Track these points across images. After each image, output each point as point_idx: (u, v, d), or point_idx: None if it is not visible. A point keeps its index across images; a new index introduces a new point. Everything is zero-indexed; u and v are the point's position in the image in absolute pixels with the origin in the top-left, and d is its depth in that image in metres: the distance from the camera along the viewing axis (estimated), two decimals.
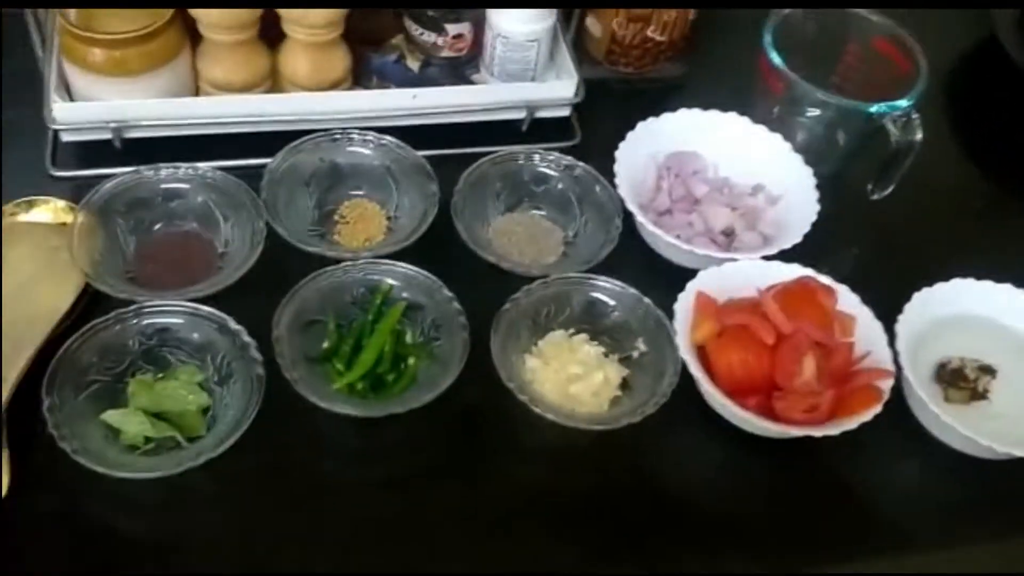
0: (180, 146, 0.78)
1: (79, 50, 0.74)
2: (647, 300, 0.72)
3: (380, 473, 0.68)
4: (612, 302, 0.73)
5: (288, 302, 0.69)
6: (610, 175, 0.78)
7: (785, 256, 0.75)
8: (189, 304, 0.67)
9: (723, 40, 0.95)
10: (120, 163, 0.76)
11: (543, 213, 0.81)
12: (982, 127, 1.00)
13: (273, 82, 0.81)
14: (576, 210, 0.80)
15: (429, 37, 0.85)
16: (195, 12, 0.75)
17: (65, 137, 0.78)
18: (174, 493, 0.64)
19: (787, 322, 0.68)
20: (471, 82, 0.87)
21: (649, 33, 0.90)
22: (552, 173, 0.80)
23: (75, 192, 0.75)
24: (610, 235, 0.76)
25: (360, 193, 0.79)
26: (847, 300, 0.73)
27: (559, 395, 0.70)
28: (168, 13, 0.74)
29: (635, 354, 0.72)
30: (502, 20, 0.82)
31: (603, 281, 0.73)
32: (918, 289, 0.75)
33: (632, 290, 0.73)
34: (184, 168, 0.74)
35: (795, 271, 0.74)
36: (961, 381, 0.73)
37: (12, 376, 0.64)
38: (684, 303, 0.71)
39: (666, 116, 0.83)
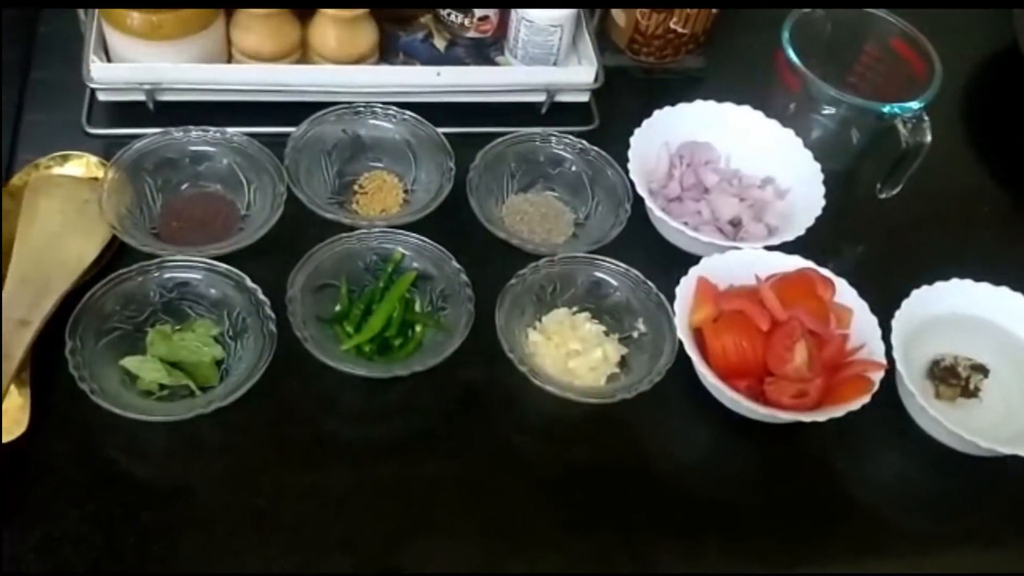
0: (210, 111, 0.81)
1: (119, 14, 0.77)
2: (649, 283, 0.74)
3: (380, 433, 0.71)
4: (615, 283, 0.75)
5: (303, 265, 0.72)
6: (624, 161, 0.80)
7: (791, 248, 0.77)
8: (208, 260, 0.70)
9: (743, 36, 0.97)
10: (152, 124, 0.78)
11: (556, 194, 0.83)
12: (998, 135, 1.00)
13: (302, 54, 0.84)
14: (588, 192, 0.82)
15: (456, 18, 0.88)
16: None
17: (101, 96, 0.82)
18: (184, 440, 0.67)
19: (782, 310, 0.70)
20: (495, 63, 0.89)
21: (672, 24, 0.92)
22: (567, 155, 0.83)
23: (108, 150, 0.78)
24: (619, 218, 0.79)
25: (379, 165, 0.82)
26: (845, 293, 0.74)
27: (558, 370, 0.72)
28: None
29: (635, 334, 0.74)
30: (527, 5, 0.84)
31: (608, 262, 0.75)
32: (918, 287, 0.76)
33: (635, 272, 0.75)
34: (212, 132, 0.77)
35: (796, 262, 0.75)
36: (953, 378, 0.75)
37: (37, 320, 0.67)
38: (685, 287, 0.73)
39: (682, 106, 0.85)
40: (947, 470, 0.73)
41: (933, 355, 0.76)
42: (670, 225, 0.77)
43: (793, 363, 0.69)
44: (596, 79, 0.87)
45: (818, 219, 0.79)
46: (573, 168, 0.83)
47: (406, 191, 0.81)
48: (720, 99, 0.86)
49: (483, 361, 0.72)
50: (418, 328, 0.73)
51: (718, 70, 0.97)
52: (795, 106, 0.87)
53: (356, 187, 0.81)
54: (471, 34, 0.89)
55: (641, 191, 0.78)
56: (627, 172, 0.79)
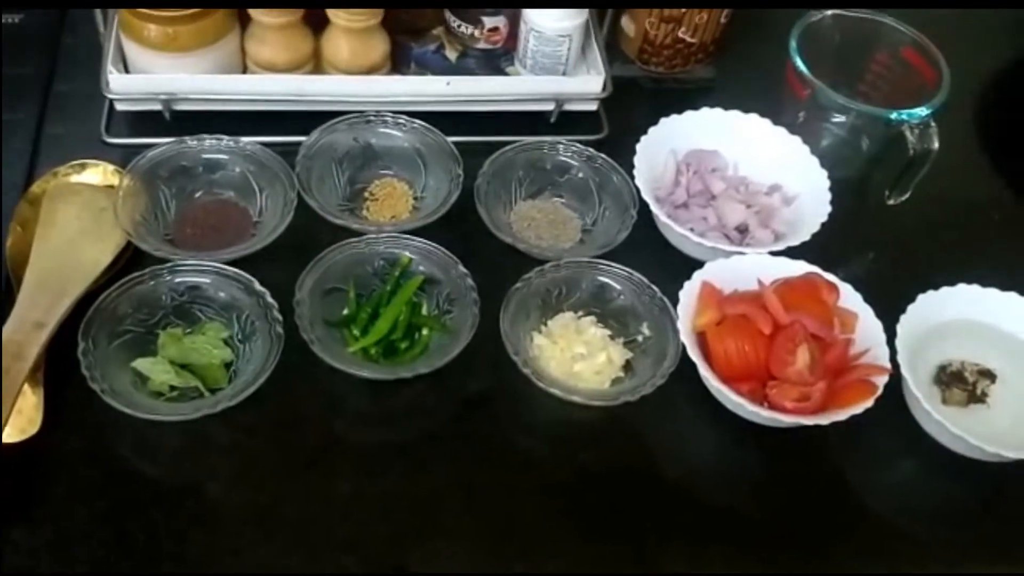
0: (225, 121, 0.82)
1: (136, 26, 0.79)
2: (653, 287, 0.75)
3: (386, 436, 0.72)
4: (619, 287, 0.76)
5: (312, 269, 0.73)
6: (632, 168, 0.81)
7: (797, 254, 0.77)
8: (219, 264, 0.71)
9: (753, 45, 0.97)
10: (168, 134, 0.80)
11: (563, 201, 0.84)
12: (1010, 143, 1.00)
13: (315, 64, 0.86)
14: (595, 199, 0.83)
15: (467, 29, 0.89)
16: None
17: (119, 106, 0.84)
18: (193, 440, 0.69)
19: (784, 313, 0.70)
20: (505, 73, 0.91)
21: (680, 34, 0.92)
22: (574, 163, 0.84)
23: (125, 158, 0.80)
24: (625, 224, 0.79)
25: (389, 173, 0.83)
26: (850, 298, 0.74)
27: (563, 373, 0.73)
28: None
29: (639, 338, 0.75)
30: (536, 15, 0.85)
31: (612, 266, 0.76)
32: (925, 293, 0.76)
33: (639, 276, 0.75)
34: (226, 140, 0.79)
35: (800, 267, 0.76)
36: (959, 383, 0.75)
37: (52, 322, 0.69)
38: (689, 291, 0.73)
39: (689, 114, 0.85)
40: (954, 476, 0.73)
41: (940, 360, 0.76)
42: (675, 230, 0.78)
43: (795, 367, 0.69)
44: (604, 88, 0.88)
45: (827, 226, 0.79)
46: (580, 175, 0.83)
47: (416, 198, 0.83)
48: (729, 108, 0.87)
49: (489, 365, 0.73)
50: (424, 331, 0.74)
51: (727, 79, 0.97)
52: (804, 114, 0.88)
53: (367, 194, 0.82)
54: (481, 45, 0.90)
55: (647, 197, 0.79)
56: (633, 179, 0.80)
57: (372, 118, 0.82)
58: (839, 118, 0.86)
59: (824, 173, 0.82)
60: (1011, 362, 0.76)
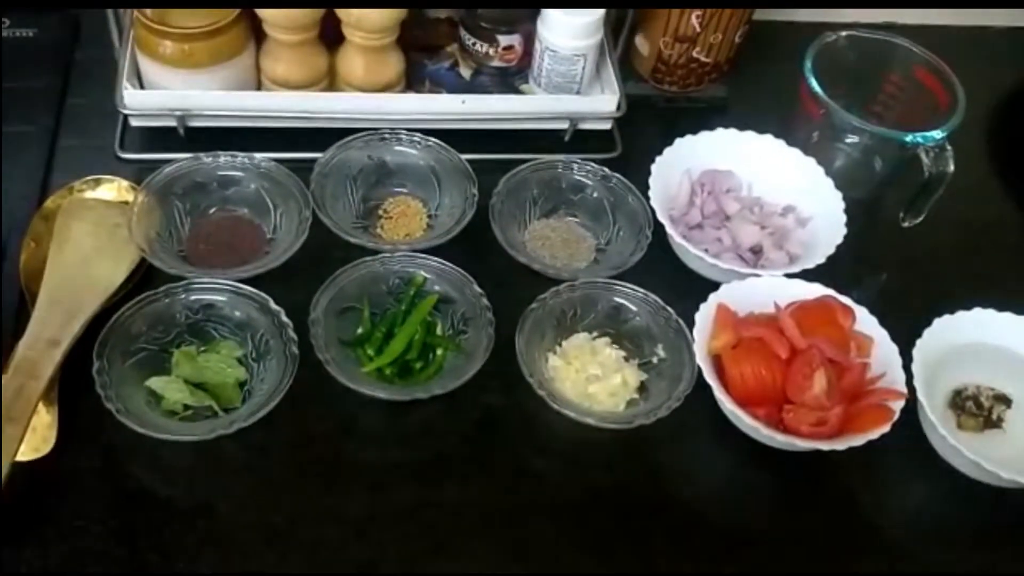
0: (239, 137, 0.82)
1: (152, 42, 0.79)
2: (669, 308, 0.75)
3: (399, 456, 0.71)
4: (635, 308, 0.76)
5: (326, 288, 0.73)
6: (646, 188, 0.81)
7: (813, 276, 0.77)
8: (234, 283, 0.71)
9: (766, 65, 0.97)
10: (182, 150, 0.80)
11: (577, 220, 0.84)
12: (1022, 165, 1.00)
13: (330, 82, 0.86)
14: (609, 219, 0.83)
15: (481, 47, 0.89)
16: (260, 12, 0.79)
17: (134, 122, 0.84)
18: (206, 459, 0.68)
19: (801, 338, 0.70)
20: (519, 91, 0.91)
21: (695, 54, 0.92)
22: (588, 182, 0.83)
23: (139, 174, 0.80)
24: (640, 244, 0.79)
25: (404, 191, 0.83)
26: (866, 321, 0.74)
27: (577, 394, 0.73)
28: (235, 12, 0.79)
29: (654, 360, 0.75)
30: (551, 34, 0.85)
31: (628, 287, 0.76)
32: (940, 316, 0.76)
33: (655, 298, 0.75)
34: (240, 157, 0.79)
35: (816, 290, 0.75)
36: (975, 408, 0.74)
37: (66, 340, 0.68)
38: (704, 313, 0.73)
39: (704, 134, 0.85)
40: (970, 502, 0.73)
41: (955, 385, 0.76)
42: (690, 252, 0.78)
43: (812, 391, 0.69)
44: (619, 108, 0.88)
45: (840, 247, 0.79)
46: (595, 195, 0.83)
47: (430, 216, 0.83)
48: (742, 128, 0.87)
49: (502, 385, 0.73)
50: (439, 351, 0.74)
51: (740, 99, 0.97)
52: (818, 135, 0.87)
53: (381, 212, 0.82)
54: (496, 63, 0.90)
55: (662, 218, 0.79)
56: (648, 199, 0.80)
57: (387, 135, 0.82)
58: (852, 139, 0.86)
59: (839, 195, 0.82)
60: None
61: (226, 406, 0.69)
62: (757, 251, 0.82)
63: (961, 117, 0.83)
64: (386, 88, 0.85)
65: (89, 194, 0.79)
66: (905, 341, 0.74)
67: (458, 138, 0.83)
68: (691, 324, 0.73)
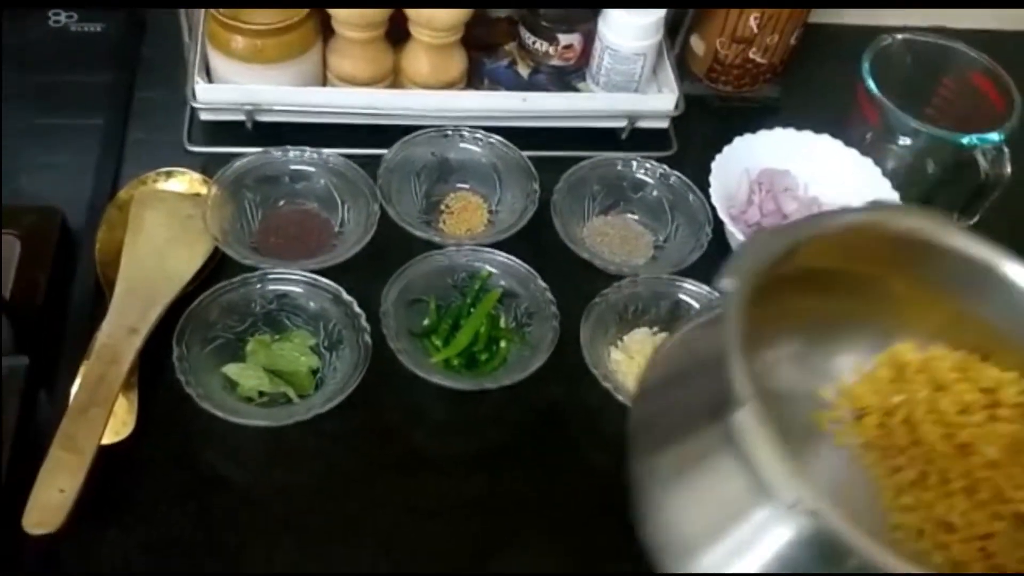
0: (305, 133, 0.84)
1: (223, 37, 0.81)
2: None
3: (466, 447, 0.73)
4: (696, 305, 0.77)
5: (396, 280, 0.74)
6: (702, 186, 0.82)
7: None
8: (308, 274, 0.73)
9: (820, 67, 0.99)
10: (248, 144, 0.82)
11: (636, 217, 0.85)
12: None
13: (395, 79, 0.87)
14: (668, 216, 0.84)
15: (541, 46, 0.91)
16: (331, 10, 0.81)
17: (203, 116, 0.85)
18: (280, 447, 0.70)
19: None
20: (576, 90, 0.92)
21: (751, 55, 0.94)
22: (648, 180, 0.85)
23: (206, 166, 0.82)
24: (699, 242, 0.80)
25: (466, 187, 0.85)
26: None
27: None
28: (305, 10, 0.81)
29: None
30: (612, 34, 0.86)
31: (689, 283, 0.77)
32: None
33: (716, 295, 0.77)
34: (309, 152, 0.80)
35: None
36: None
37: (145, 328, 0.70)
38: None
39: (762, 133, 0.86)
40: None
41: None
42: None
43: None
44: (677, 107, 0.89)
45: None
46: (655, 193, 0.85)
47: (491, 212, 0.84)
48: (795, 127, 0.88)
49: (564, 378, 0.74)
50: (503, 344, 0.75)
51: (794, 100, 0.98)
52: (871, 136, 0.88)
53: (443, 207, 0.84)
54: (555, 62, 0.91)
55: (723, 215, 0.80)
56: (708, 197, 0.81)
57: (449, 133, 0.84)
58: (906, 141, 0.87)
59: (895, 195, 0.84)
60: None
61: (300, 394, 0.71)
62: None
63: (1018, 120, 0.84)
64: (449, 86, 0.87)
65: (161, 185, 0.80)
66: None
67: (517, 136, 0.85)
68: None
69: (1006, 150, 0.82)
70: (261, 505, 0.68)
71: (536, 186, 0.81)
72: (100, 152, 0.84)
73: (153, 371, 0.70)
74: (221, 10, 0.80)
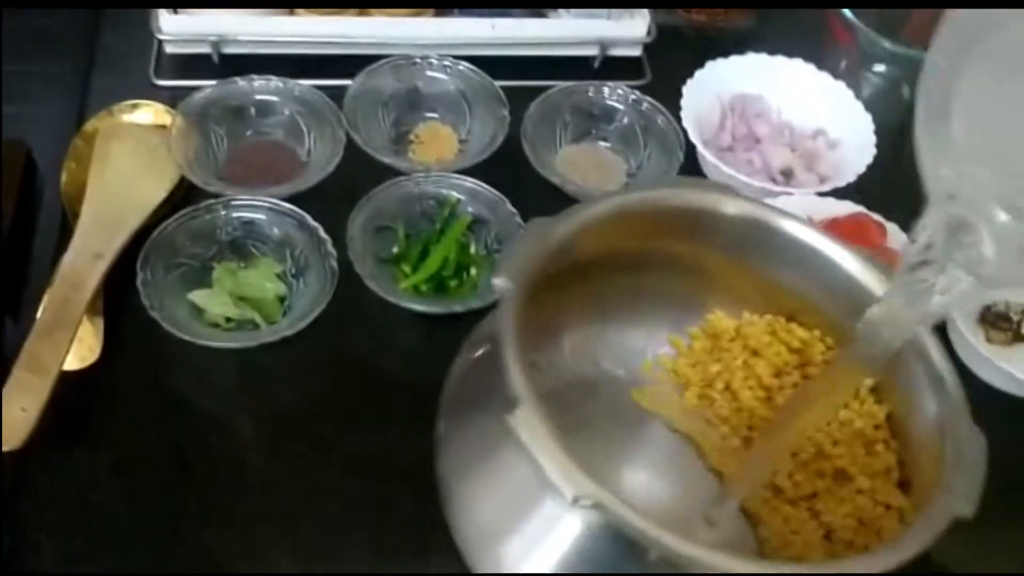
0: (271, 65, 0.82)
1: None
2: None
3: (435, 371, 0.72)
4: None
5: (362, 207, 0.73)
6: (676, 114, 0.82)
7: (843, 197, 0.78)
8: (273, 201, 0.72)
9: None
10: (216, 78, 0.81)
11: (608, 145, 0.85)
12: None
13: (361, 8, 0.86)
14: (640, 142, 0.83)
15: None
16: None
17: (169, 49, 0.84)
18: (248, 371, 0.70)
19: None
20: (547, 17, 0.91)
21: None
22: (619, 107, 0.84)
23: (174, 101, 0.81)
24: (672, 167, 0.80)
25: (435, 116, 0.84)
26: (897, 238, 0.75)
27: None
28: None
29: None
30: None
31: None
32: None
33: None
34: (274, 81, 0.79)
35: (848, 207, 0.76)
36: (1004, 323, 0.75)
37: (110, 254, 0.69)
38: None
39: (734, 58, 0.86)
40: (1001, 415, 0.73)
41: (984, 301, 0.77)
42: (723, 171, 0.78)
43: None
44: (649, 33, 0.88)
45: (871, 171, 0.80)
46: (626, 120, 0.84)
47: (461, 141, 0.83)
48: (769, 54, 0.87)
49: None
50: (473, 270, 0.75)
51: (769, 28, 0.98)
52: (846, 63, 0.88)
53: (412, 137, 0.83)
54: None
55: (694, 139, 0.79)
56: (679, 121, 0.80)
57: (418, 61, 0.83)
58: (880, 67, 0.87)
59: (869, 117, 0.83)
60: None
61: (268, 320, 0.70)
62: (787, 173, 0.82)
63: None
64: (418, 14, 0.86)
65: (127, 117, 0.80)
66: None
67: (487, 65, 0.84)
68: None
69: None
70: (230, 428, 0.68)
71: (506, 112, 0.81)
72: (66, 87, 0.83)
73: (120, 300, 0.70)
74: None
